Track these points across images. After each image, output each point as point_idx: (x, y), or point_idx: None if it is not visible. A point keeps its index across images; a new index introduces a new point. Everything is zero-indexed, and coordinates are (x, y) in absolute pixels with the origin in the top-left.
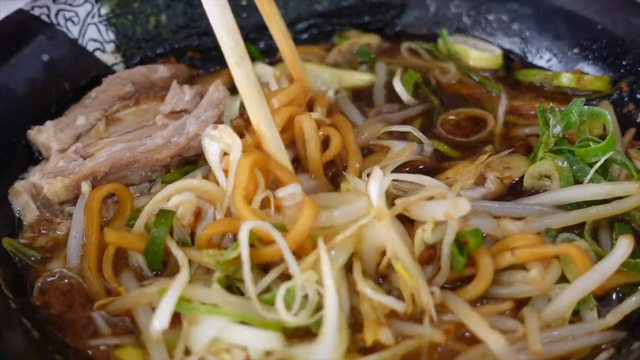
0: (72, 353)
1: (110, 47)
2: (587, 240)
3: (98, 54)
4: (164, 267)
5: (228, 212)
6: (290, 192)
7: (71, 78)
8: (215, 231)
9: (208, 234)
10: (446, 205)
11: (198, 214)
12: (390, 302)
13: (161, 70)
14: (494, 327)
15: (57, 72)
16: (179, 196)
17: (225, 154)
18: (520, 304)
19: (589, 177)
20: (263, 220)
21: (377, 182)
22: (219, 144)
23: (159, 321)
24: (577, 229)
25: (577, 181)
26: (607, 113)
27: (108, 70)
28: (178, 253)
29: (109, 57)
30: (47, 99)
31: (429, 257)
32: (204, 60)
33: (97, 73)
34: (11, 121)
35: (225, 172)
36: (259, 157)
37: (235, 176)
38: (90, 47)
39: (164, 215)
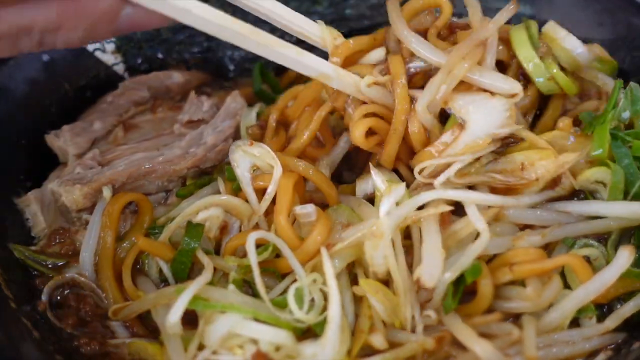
0: (73, 353)
1: (110, 47)
2: (609, 250)
3: (98, 54)
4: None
5: (255, 227)
6: (307, 211)
7: (71, 78)
8: (241, 242)
9: (235, 244)
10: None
11: (224, 228)
12: (376, 304)
13: (176, 76)
14: (488, 332)
15: (57, 72)
16: (207, 211)
17: (254, 170)
18: None
19: None
20: (300, 240)
21: (391, 202)
22: (252, 159)
23: (174, 314)
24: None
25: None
26: None
27: (108, 70)
28: (204, 259)
29: (109, 57)
30: (47, 99)
31: None
32: (205, 62)
33: (97, 73)
34: (11, 121)
35: (257, 190)
36: (298, 177)
37: (278, 197)
38: (90, 47)
39: (195, 229)
